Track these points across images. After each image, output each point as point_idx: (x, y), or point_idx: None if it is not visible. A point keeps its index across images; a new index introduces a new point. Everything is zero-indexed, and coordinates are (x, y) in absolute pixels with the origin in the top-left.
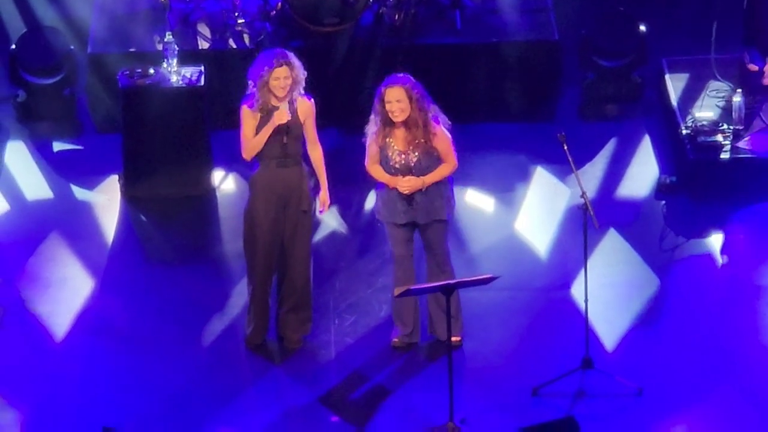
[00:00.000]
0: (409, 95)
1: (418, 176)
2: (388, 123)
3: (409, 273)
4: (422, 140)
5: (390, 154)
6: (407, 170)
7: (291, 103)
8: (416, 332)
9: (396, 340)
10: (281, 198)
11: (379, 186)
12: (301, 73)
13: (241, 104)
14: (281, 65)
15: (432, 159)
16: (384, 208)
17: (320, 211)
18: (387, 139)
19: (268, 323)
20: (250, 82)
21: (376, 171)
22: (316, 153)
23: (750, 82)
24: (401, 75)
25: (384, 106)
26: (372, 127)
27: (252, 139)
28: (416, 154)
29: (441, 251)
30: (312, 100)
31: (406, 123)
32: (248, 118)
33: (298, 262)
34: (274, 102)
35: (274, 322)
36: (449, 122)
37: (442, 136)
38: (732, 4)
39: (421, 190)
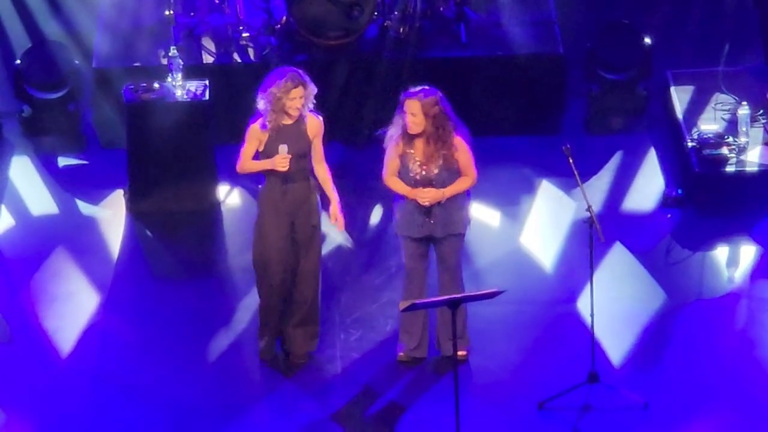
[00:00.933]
0: (424, 111)
1: (438, 188)
2: (408, 134)
3: (421, 288)
4: (442, 152)
5: (410, 164)
6: (427, 182)
7: (301, 119)
8: (423, 347)
9: (402, 354)
10: (290, 214)
11: (396, 198)
12: (312, 90)
13: (250, 122)
14: (297, 86)
15: (452, 172)
16: (402, 221)
17: (339, 229)
18: (408, 150)
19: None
20: (261, 99)
21: (394, 183)
22: (321, 170)
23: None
24: (421, 89)
25: (404, 116)
26: (393, 133)
27: (249, 161)
28: (437, 165)
29: (454, 265)
30: (321, 118)
31: (425, 136)
32: (253, 138)
33: (307, 276)
34: (285, 121)
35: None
36: (469, 134)
37: (463, 150)
38: (737, 17)
39: (440, 202)
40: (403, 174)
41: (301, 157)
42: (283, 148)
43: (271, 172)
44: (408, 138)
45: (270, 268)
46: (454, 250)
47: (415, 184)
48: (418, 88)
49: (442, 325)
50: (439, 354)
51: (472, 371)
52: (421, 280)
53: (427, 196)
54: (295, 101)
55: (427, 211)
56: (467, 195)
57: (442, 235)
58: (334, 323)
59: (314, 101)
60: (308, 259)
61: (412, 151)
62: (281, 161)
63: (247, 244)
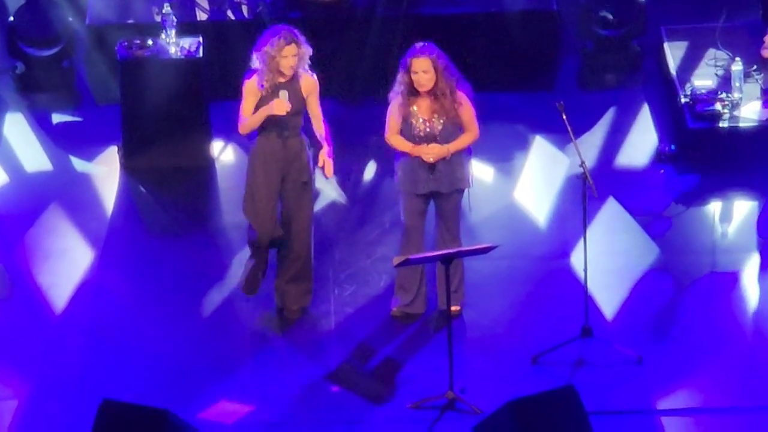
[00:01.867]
0: (435, 65)
1: (441, 144)
2: (413, 92)
3: (419, 246)
4: (448, 109)
5: (414, 122)
6: (432, 138)
7: (295, 78)
8: (418, 303)
9: (395, 309)
10: (281, 169)
11: (398, 156)
12: (307, 50)
13: (245, 78)
14: (290, 43)
15: (456, 128)
16: (405, 178)
17: (325, 176)
18: (412, 108)
19: (265, 271)
20: (255, 57)
21: (396, 140)
22: (319, 127)
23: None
24: (426, 44)
25: (410, 76)
26: (396, 97)
27: (249, 117)
28: (441, 122)
29: (454, 221)
30: (315, 77)
31: (433, 92)
32: (250, 94)
33: (300, 232)
34: (280, 79)
35: (273, 292)
36: (471, 90)
37: (467, 106)
38: None
39: (445, 158)
40: (405, 131)
41: (295, 114)
42: (283, 93)
43: (265, 128)
44: (412, 96)
45: (260, 221)
46: (456, 206)
47: (418, 141)
48: (420, 45)
49: (441, 280)
50: (432, 309)
51: (466, 326)
52: (419, 238)
53: (432, 152)
54: (288, 59)
55: (432, 167)
56: (468, 151)
57: (447, 191)
58: (328, 279)
59: (309, 61)
60: (300, 216)
61: (415, 108)
62: (280, 104)
63: (241, 201)
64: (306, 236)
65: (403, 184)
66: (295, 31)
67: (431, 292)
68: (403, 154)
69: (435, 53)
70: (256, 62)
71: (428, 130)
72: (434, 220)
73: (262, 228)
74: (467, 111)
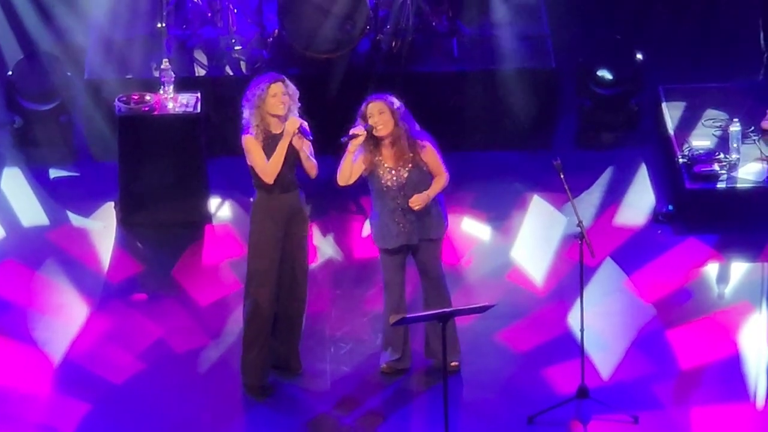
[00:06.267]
0: (390, 109)
1: (410, 193)
2: (374, 142)
3: (400, 300)
4: (410, 154)
5: (381, 172)
6: (399, 187)
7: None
8: (405, 358)
9: (384, 366)
10: (284, 224)
11: (372, 215)
12: (295, 92)
13: (243, 134)
14: (276, 81)
15: (423, 174)
16: (377, 234)
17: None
18: (376, 158)
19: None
20: (245, 109)
21: (342, 169)
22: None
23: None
24: (381, 93)
25: (367, 122)
26: (356, 145)
27: (267, 163)
28: (407, 169)
29: (436, 274)
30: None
31: (391, 139)
32: (254, 145)
33: (301, 286)
34: (273, 127)
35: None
36: (433, 138)
37: (431, 150)
38: (729, 33)
39: (413, 210)
40: (374, 182)
41: (292, 166)
42: (291, 116)
43: (263, 184)
44: (374, 145)
45: (266, 279)
46: (433, 258)
47: (386, 191)
48: (373, 94)
49: (433, 334)
50: (428, 365)
51: (462, 384)
52: (399, 291)
53: (416, 202)
54: (277, 97)
55: (402, 220)
56: (440, 199)
57: (417, 241)
58: (324, 337)
59: (299, 104)
60: (301, 270)
61: (379, 158)
62: (293, 123)
63: (238, 257)
64: (306, 290)
65: (376, 241)
66: (281, 75)
67: (419, 345)
68: (375, 212)
69: (389, 99)
70: (246, 112)
71: (395, 178)
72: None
73: (267, 282)
74: (431, 155)
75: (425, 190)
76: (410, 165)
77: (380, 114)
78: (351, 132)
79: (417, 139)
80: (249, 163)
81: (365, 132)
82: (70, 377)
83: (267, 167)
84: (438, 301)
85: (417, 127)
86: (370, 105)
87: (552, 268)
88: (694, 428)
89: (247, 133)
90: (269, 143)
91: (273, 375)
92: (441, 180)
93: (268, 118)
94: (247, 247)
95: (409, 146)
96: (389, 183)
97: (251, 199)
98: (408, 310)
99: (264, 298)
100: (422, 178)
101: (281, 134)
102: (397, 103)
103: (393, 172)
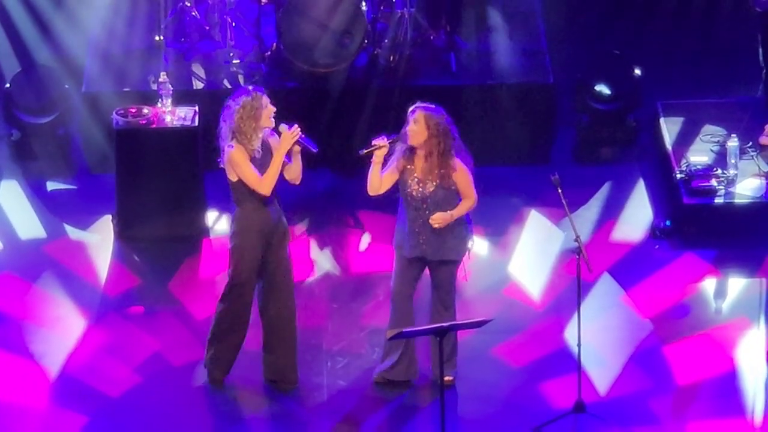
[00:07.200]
0: (427, 123)
1: (432, 209)
2: (410, 149)
3: (406, 314)
4: (441, 171)
5: (409, 181)
6: (422, 199)
7: (267, 147)
8: (399, 370)
9: (376, 375)
10: (267, 236)
11: (398, 220)
12: (272, 108)
13: (228, 149)
14: (264, 93)
15: (449, 193)
16: (397, 239)
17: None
18: (408, 165)
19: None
20: (228, 124)
21: (372, 177)
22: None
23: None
24: (432, 104)
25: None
26: (398, 147)
27: (261, 176)
28: (434, 184)
29: (448, 292)
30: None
31: (426, 152)
32: (244, 160)
33: (289, 298)
34: (255, 142)
35: (261, 365)
36: (472, 162)
37: (462, 172)
38: (728, 49)
39: (432, 228)
40: (401, 188)
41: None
42: (282, 127)
43: (251, 194)
44: (410, 153)
45: (245, 291)
46: (448, 277)
47: (411, 200)
48: (423, 103)
49: (434, 349)
50: (425, 380)
51: (458, 398)
52: (406, 308)
53: (438, 220)
54: (269, 109)
55: (420, 235)
56: (468, 222)
57: (434, 260)
58: (321, 351)
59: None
60: (286, 281)
61: (411, 167)
62: (287, 136)
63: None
64: (294, 301)
65: (395, 245)
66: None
67: (424, 361)
68: (402, 215)
69: (433, 112)
70: (228, 128)
71: (420, 190)
72: (430, 291)
73: (247, 293)
74: (463, 177)
75: (449, 209)
76: (438, 181)
77: (414, 123)
78: (373, 143)
79: (454, 158)
80: (237, 176)
81: (387, 143)
82: (67, 390)
83: (264, 180)
84: (444, 316)
85: (460, 146)
86: (415, 112)
87: (549, 283)
88: None
89: (231, 147)
90: (255, 156)
91: (269, 389)
92: (468, 202)
93: (256, 129)
94: (229, 259)
95: (441, 163)
96: (414, 193)
97: (232, 214)
98: (415, 323)
99: (242, 309)
100: (447, 197)
101: (266, 146)
102: (440, 118)
103: (420, 183)
